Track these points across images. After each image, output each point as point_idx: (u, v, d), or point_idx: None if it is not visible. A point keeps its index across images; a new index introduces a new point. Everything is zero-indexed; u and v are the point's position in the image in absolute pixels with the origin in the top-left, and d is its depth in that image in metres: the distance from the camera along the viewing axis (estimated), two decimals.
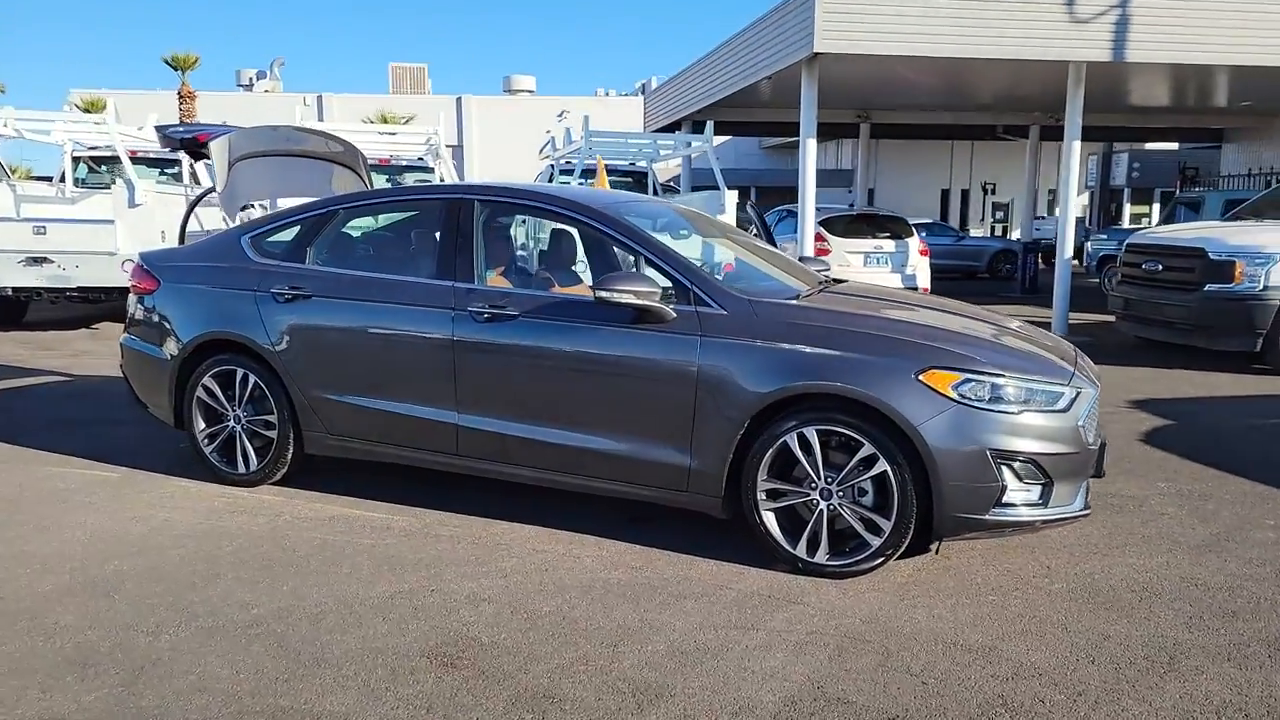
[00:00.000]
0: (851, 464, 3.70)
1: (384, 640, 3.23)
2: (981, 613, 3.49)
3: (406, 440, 4.53)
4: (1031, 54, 10.32)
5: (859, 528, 3.73)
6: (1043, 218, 26.74)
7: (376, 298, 4.53)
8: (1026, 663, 3.11)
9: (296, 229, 4.95)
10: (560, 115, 37.73)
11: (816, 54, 10.01)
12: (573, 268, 5.07)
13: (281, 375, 4.68)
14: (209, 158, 5.99)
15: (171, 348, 4.94)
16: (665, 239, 4.50)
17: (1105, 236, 18.64)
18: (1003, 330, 4.28)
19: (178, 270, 5.08)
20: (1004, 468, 3.60)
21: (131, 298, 5.26)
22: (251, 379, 4.77)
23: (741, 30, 12.60)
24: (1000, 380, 3.65)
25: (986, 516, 3.63)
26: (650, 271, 4.14)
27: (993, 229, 33.46)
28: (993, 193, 32.89)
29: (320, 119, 32.81)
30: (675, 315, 3.95)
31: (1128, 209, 29.41)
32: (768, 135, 31.40)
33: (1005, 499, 3.63)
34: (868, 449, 3.66)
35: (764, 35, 11.50)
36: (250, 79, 42.72)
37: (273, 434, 4.79)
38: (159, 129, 6.38)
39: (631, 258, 4.47)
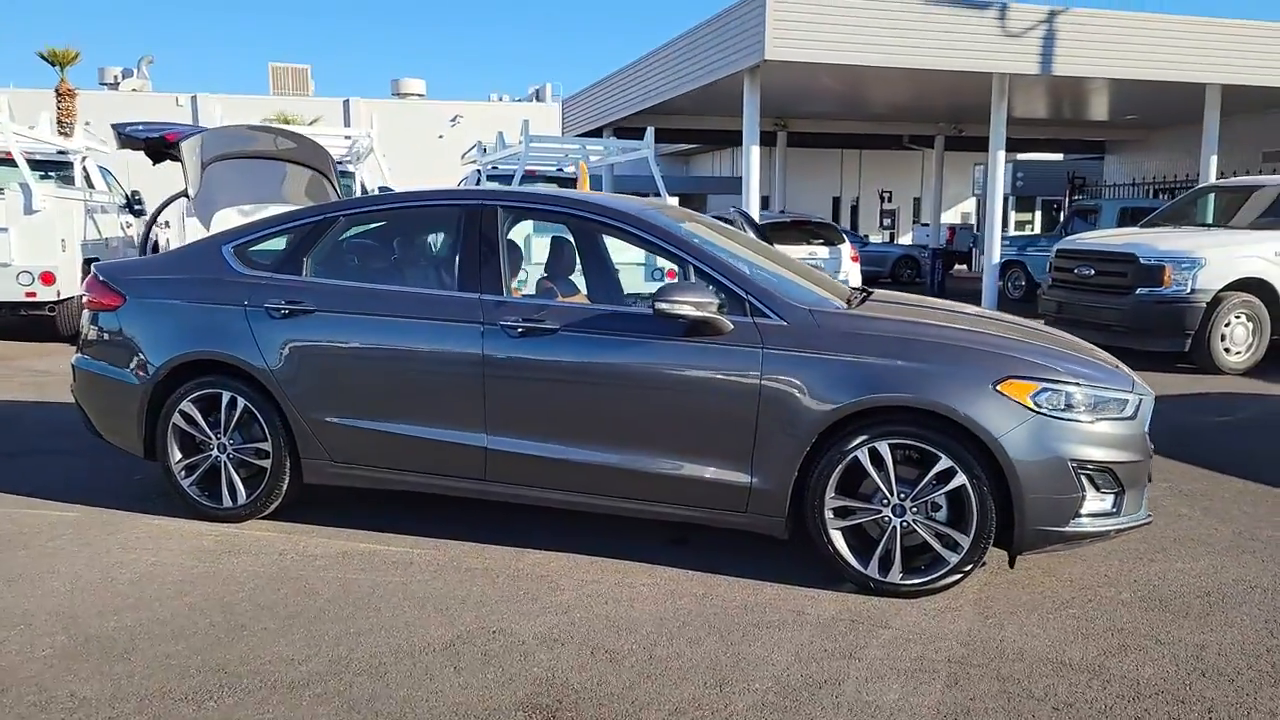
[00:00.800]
0: (927, 478, 3.57)
1: (465, 694, 2.89)
2: (1069, 627, 3.41)
3: (425, 466, 4.16)
4: (973, 66, 10.61)
5: (935, 544, 3.61)
6: (925, 225, 27.74)
7: (390, 312, 4.15)
8: (1141, 680, 3.04)
9: (289, 238, 4.51)
10: (453, 120, 36.96)
11: (763, 61, 10.01)
12: (570, 277, 4.81)
13: (278, 398, 4.23)
14: (175, 159, 5.44)
15: (141, 370, 4.42)
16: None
17: (1007, 242, 19.41)
18: (1056, 338, 4.25)
19: (146, 284, 4.55)
20: (1083, 477, 3.54)
21: (86, 315, 4.69)
22: (240, 403, 4.30)
23: (678, 37, 12.52)
24: (1075, 389, 3.60)
25: (1067, 529, 3.56)
26: (701, 281, 3.91)
27: (889, 236, 34.53)
28: (889, 200, 33.91)
29: (195, 120, 31.13)
30: (732, 326, 3.74)
31: (1012, 216, 30.82)
32: (681, 142, 31.50)
33: (1084, 509, 3.57)
34: (945, 462, 3.54)
35: (705, 43, 11.44)
36: (115, 77, 40.12)
37: (266, 463, 4.33)
38: (117, 127, 5.70)
39: (679, 266, 4.21)
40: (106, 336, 4.59)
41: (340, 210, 4.52)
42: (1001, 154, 11.60)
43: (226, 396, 4.32)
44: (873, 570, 3.65)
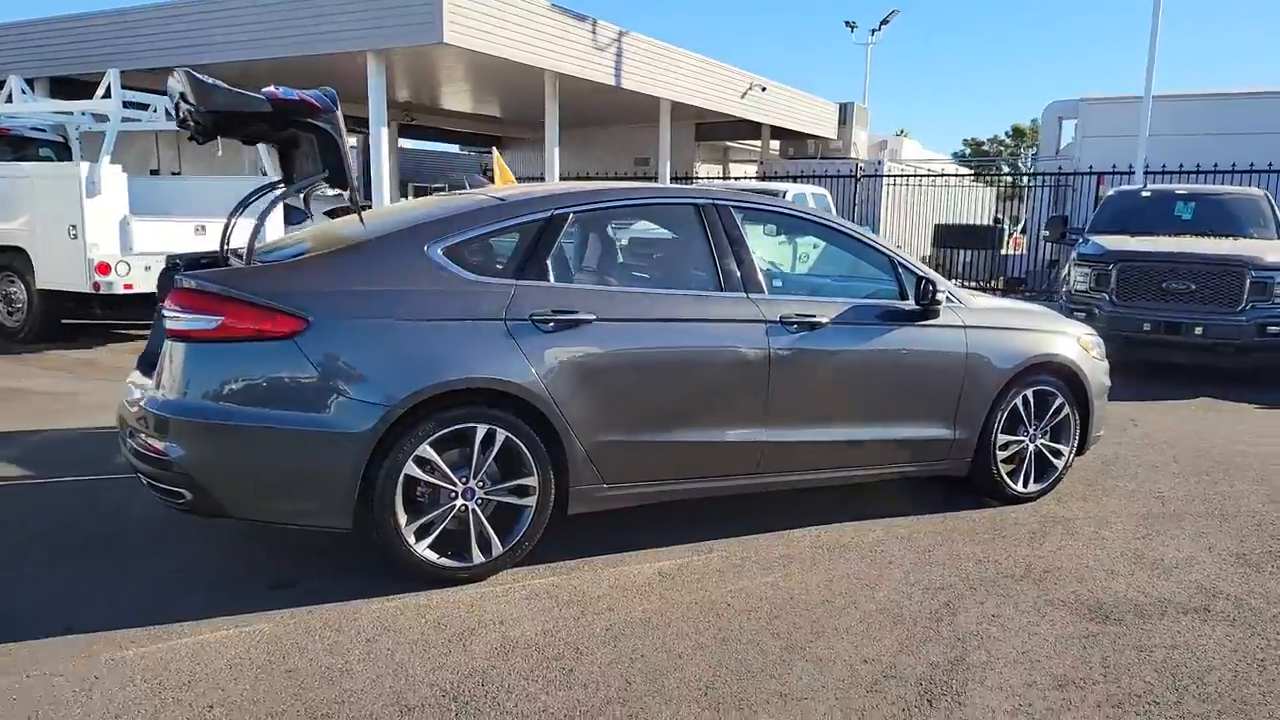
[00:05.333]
0: (1049, 412, 4.95)
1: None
2: (1111, 506, 5.17)
3: (705, 470, 4.09)
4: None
5: (1050, 457, 5.02)
6: None
7: (669, 315, 3.94)
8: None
9: (517, 236, 3.81)
10: None
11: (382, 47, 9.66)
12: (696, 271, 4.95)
13: (554, 423, 3.67)
14: (309, 133, 3.63)
15: (360, 414, 3.35)
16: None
17: None
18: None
19: (339, 300, 3.39)
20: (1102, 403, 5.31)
21: (223, 348, 3.27)
22: (500, 435, 3.59)
23: None
24: (1099, 341, 5.31)
25: (1101, 433, 5.30)
26: (902, 275, 4.62)
27: None
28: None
29: None
30: (941, 312, 4.59)
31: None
32: None
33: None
34: (1059, 400, 4.96)
35: (338, 7, 10.33)
36: None
37: (527, 501, 3.70)
38: (199, 82, 3.32)
39: (873, 262, 4.75)
40: (280, 375, 3.30)
41: (566, 206, 3.94)
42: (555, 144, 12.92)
43: (482, 430, 3.56)
44: (1019, 486, 4.91)
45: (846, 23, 37.38)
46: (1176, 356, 9.34)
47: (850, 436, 4.40)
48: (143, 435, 3.43)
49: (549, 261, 3.82)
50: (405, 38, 10.22)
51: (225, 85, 3.53)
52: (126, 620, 3.25)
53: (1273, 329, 8.87)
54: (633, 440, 3.88)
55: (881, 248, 4.67)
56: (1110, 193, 11.80)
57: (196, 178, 13.64)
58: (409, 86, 15.95)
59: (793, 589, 3.71)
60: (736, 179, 22.29)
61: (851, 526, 4.47)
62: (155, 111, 10.09)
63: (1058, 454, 5.03)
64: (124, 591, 3.52)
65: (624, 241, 4.62)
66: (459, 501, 3.58)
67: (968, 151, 57.89)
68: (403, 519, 3.48)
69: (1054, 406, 4.95)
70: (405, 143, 29.87)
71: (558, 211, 3.91)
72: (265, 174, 18.12)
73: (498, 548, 3.67)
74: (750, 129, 20.55)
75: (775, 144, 22.92)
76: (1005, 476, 4.86)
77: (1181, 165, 15.57)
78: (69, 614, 3.29)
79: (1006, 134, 68.70)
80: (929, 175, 19.16)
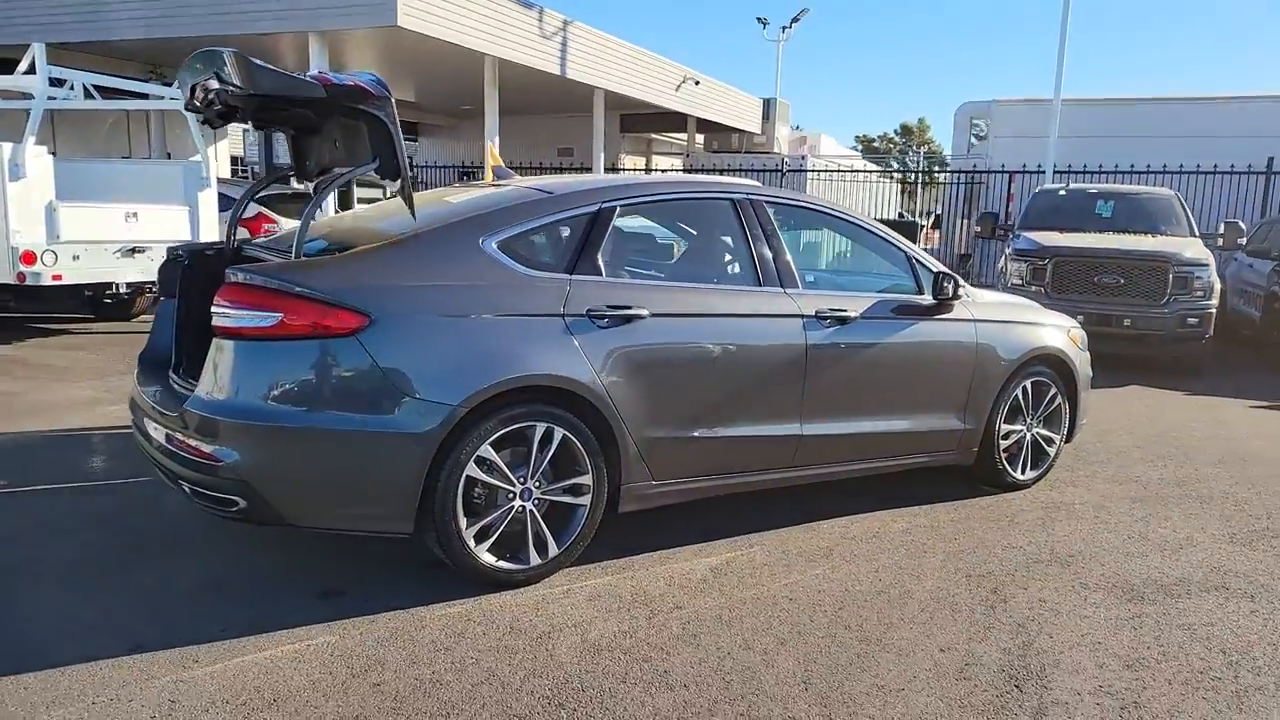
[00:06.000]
0: (1044, 400, 5.15)
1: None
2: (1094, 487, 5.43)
3: (746, 465, 4.10)
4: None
5: (1044, 445, 5.23)
6: None
7: (716, 311, 3.93)
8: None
9: (567, 230, 3.72)
10: None
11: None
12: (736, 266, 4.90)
13: (610, 420, 3.61)
14: (358, 119, 3.36)
15: (426, 412, 3.22)
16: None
17: None
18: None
19: (398, 295, 3.25)
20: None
21: (281, 346, 3.10)
22: (558, 434, 3.52)
23: None
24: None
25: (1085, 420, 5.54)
26: (919, 270, 4.72)
27: None
28: None
29: None
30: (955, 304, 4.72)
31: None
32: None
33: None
34: (1052, 390, 5.17)
35: None
36: None
37: (582, 500, 3.64)
38: (244, 60, 2.95)
39: (889, 257, 4.81)
40: (343, 374, 3.15)
41: (612, 199, 3.86)
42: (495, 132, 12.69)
43: (541, 429, 3.48)
44: (1018, 473, 5.10)
45: (758, 19, 37.86)
46: (1106, 347, 9.82)
47: (876, 428, 4.48)
48: (184, 439, 3.22)
49: (599, 256, 3.75)
50: (356, 19, 9.85)
51: (274, 67, 3.32)
52: (180, 637, 3.05)
53: (1192, 320, 9.46)
54: (681, 436, 3.86)
55: (898, 243, 4.77)
56: (1037, 190, 12.32)
57: (127, 161, 12.87)
58: (336, 70, 15.41)
59: (844, 581, 3.76)
60: (663, 171, 22.36)
61: (871, 517, 4.55)
62: (73, 89, 9.48)
63: (1050, 442, 5.24)
64: (162, 606, 3.30)
65: (661, 235, 4.58)
66: (517, 502, 3.49)
67: (860, 148, 59.61)
68: (463, 522, 3.37)
69: (1048, 396, 5.16)
70: None
71: (605, 205, 3.85)
72: (170, 156, 17.17)
73: (554, 549, 3.60)
74: (675, 121, 20.64)
75: (699, 137, 23.09)
76: (1006, 465, 5.04)
77: (1085, 165, 16.38)
78: (108, 633, 3.07)
79: (896, 131, 71.13)
80: (852, 171, 19.65)
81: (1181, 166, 16.04)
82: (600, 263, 3.75)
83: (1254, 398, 8.38)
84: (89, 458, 5.18)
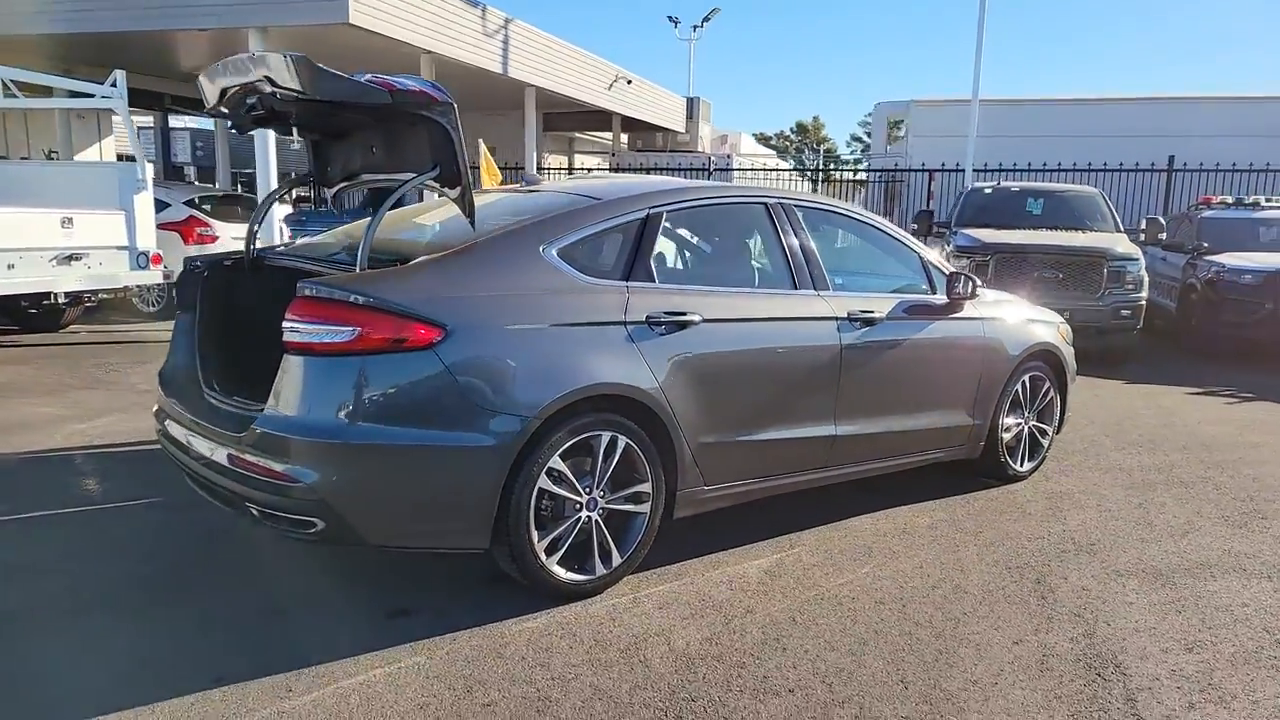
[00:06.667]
0: (1039, 394, 5.36)
1: None
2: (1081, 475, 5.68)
3: (786, 467, 4.14)
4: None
5: (1039, 437, 5.43)
6: None
7: (759, 315, 3.96)
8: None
9: (620, 236, 3.67)
10: None
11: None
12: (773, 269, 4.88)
13: (669, 427, 3.59)
14: (419, 126, 3.14)
15: (498, 426, 3.15)
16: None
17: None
18: None
19: (470, 305, 3.16)
20: None
21: (357, 361, 2.97)
22: (621, 442, 3.48)
23: None
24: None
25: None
26: (930, 270, 4.84)
27: None
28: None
29: None
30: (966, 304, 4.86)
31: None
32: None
33: None
34: (1046, 384, 5.38)
35: None
36: None
37: (642, 508, 3.61)
38: (306, 63, 2.64)
39: (904, 258, 4.90)
40: (422, 387, 3.04)
41: (659, 205, 3.82)
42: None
43: (606, 438, 3.45)
44: (1019, 466, 5.30)
45: (669, 18, 38.04)
46: None
47: (901, 426, 4.59)
48: (253, 459, 3.07)
49: (652, 262, 3.74)
50: (305, 15, 9.48)
51: (337, 72, 3.17)
52: (260, 665, 2.91)
53: (1125, 312, 9.98)
54: (730, 440, 3.87)
55: (910, 244, 4.89)
56: (970, 189, 12.76)
57: (56, 164, 12.12)
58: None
59: (895, 578, 3.84)
60: (589, 170, 22.29)
61: (893, 514, 4.65)
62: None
63: (1044, 434, 5.46)
64: (229, 633, 3.14)
65: (703, 240, 4.56)
66: (584, 513, 3.45)
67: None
68: (535, 535, 3.31)
69: (1043, 390, 5.37)
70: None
71: (653, 210, 3.83)
72: (56, 154, 16.18)
73: (616, 558, 3.57)
74: (598, 120, 20.59)
75: (624, 136, 23.09)
76: (1008, 457, 5.23)
77: (1000, 164, 17.08)
78: (184, 664, 2.91)
79: (791, 130, 72.59)
80: (776, 170, 19.99)
81: (1090, 164, 16.87)
82: (653, 268, 3.73)
83: (1185, 385, 8.87)
84: (84, 479, 4.88)
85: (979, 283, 4.82)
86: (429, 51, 11.65)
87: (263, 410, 3.13)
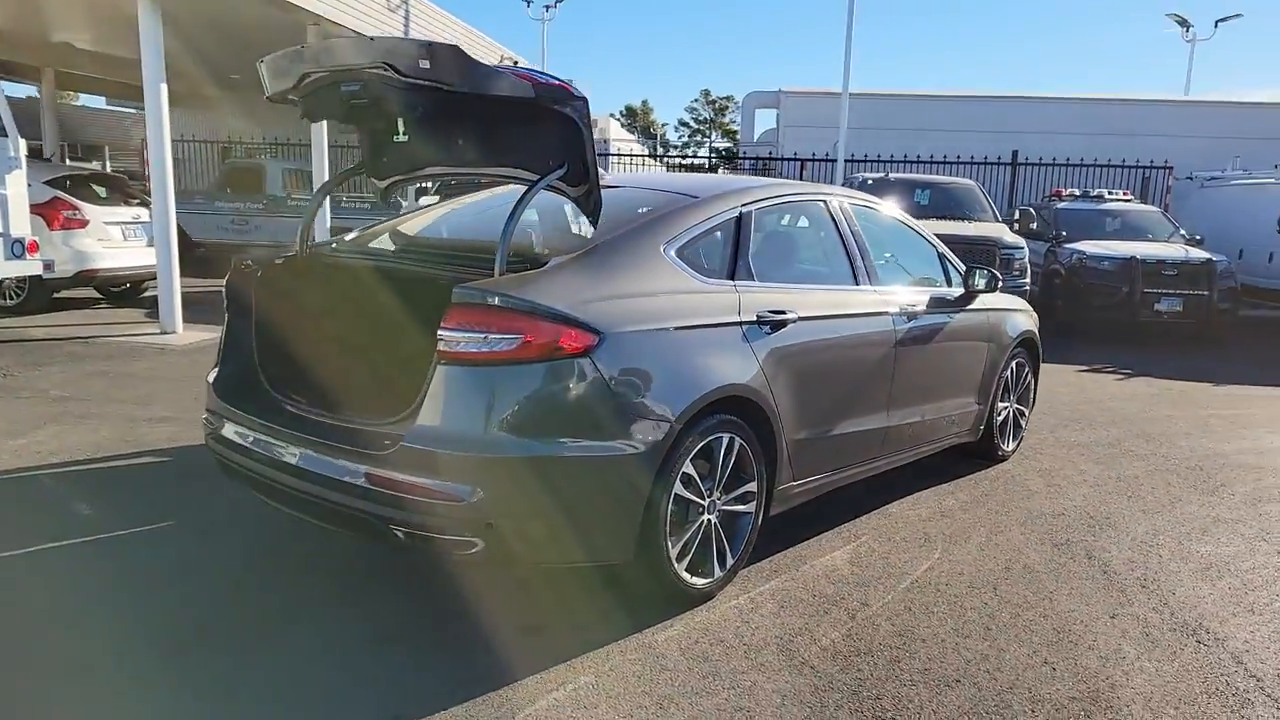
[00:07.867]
0: (1021, 378, 5.72)
1: None
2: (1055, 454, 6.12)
3: (852, 459, 4.24)
4: None
5: (1019, 419, 5.80)
6: None
7: (842, 310, 4.03)
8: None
9: (720, 235, 3.61)
10: None
11: None
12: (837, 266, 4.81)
13: (774, 424, 3.60)
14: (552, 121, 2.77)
15: (647, 432, 3.06)
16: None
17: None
18: None
19: (614, 310, 3.03)
20: None
21: (518, 370, 2.79)
22: (736, 443, 3.46)
23: None
24: None
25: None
26: (946, 264, 5.06)
27: None
28: None
29: None
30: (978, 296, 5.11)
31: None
32: None
33: None
34: (1026, 369, 5.76)
35: None
36: None
37: (749, 507, 3.60)
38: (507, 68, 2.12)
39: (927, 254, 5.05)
40: (579, 396, 2.90)
41: (749, 203, 3.78)
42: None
43: (725, 439, 3.41)
44: (1006, 446, 5.64)
45: None
46: None
47: (934, 414, 4.79)
48: (402, 477, 2.83)
49: (750, 260, 3.72)
50: None
51: (482, 62, 2.94)
52: (430, 699, 2.70)
53: None
54: (815, 435, 3.92)
55: (930, 239, 5.10)
56: (865, 179, 13.29)
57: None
58: (94, 29, 13.44)
59: (967, 561, 4.01)
60: None
61: (917, 499, 4.84)
62: None
63: (1023, 415, 5.84)
64: (365, 665, 2.89)
65: (779, 238, 4.53)
66: (704, 516, 3.41)
67: None
68: (669, 541, 3.24)
69: (1023, 375, 5.74)
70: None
71: (744, 208, 3.81)
72: None
73: (729, 558, 3.55)
74: None
75: None
76: (999, 439, 5.56)
77: (865, 155, 17.92)
78: (345, 702, 2.66)
79: (621, 112, 73.30)
80: (653, 155, 20.12)
81: (945, 157, 17.97)
82: (752, 267, 3.71)
83: (1073, 363, 9.66)
84: (73, 503, 4.33)
85: (1000, 278, 5.09)
86: (323, 19, 10.91)
87: (393, 422, 2.91)
